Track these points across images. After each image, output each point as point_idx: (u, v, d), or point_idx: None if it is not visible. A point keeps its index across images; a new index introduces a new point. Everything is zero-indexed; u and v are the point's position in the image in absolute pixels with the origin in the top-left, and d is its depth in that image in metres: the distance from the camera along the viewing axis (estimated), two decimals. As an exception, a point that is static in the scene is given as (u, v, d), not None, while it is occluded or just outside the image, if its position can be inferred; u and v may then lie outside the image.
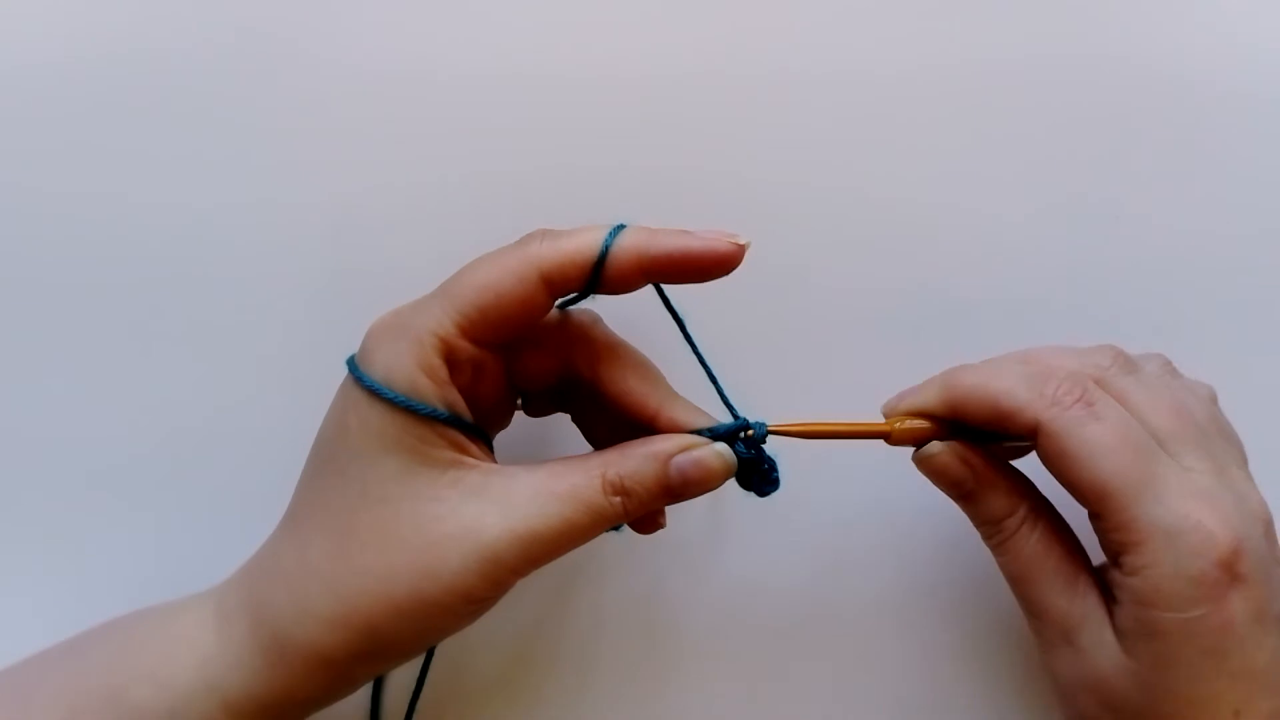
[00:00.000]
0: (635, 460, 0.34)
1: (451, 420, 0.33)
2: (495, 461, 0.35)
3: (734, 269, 0.34)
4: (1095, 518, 0.34)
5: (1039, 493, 0.37)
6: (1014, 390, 0.34)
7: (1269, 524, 0.34)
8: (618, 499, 0.34)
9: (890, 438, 0.37)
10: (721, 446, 0.35)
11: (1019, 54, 0.45)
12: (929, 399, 0.36)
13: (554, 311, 0.37)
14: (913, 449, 0.37)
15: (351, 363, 0.34)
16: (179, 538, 0.44)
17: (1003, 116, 0.45)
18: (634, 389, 0.36)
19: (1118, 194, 0.45)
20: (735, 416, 0.36)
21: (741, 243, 0.34)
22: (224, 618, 0.35)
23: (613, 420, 0.37)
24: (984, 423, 0.35)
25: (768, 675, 0.44)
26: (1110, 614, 0.34)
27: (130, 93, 0.44)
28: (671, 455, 0.34)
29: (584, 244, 0.33)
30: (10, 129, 0.44)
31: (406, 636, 0.34)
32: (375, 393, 0.33)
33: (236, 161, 0.44)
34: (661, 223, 0.43)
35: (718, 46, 0.45)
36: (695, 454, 0.34)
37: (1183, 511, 0.32)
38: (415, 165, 0.44)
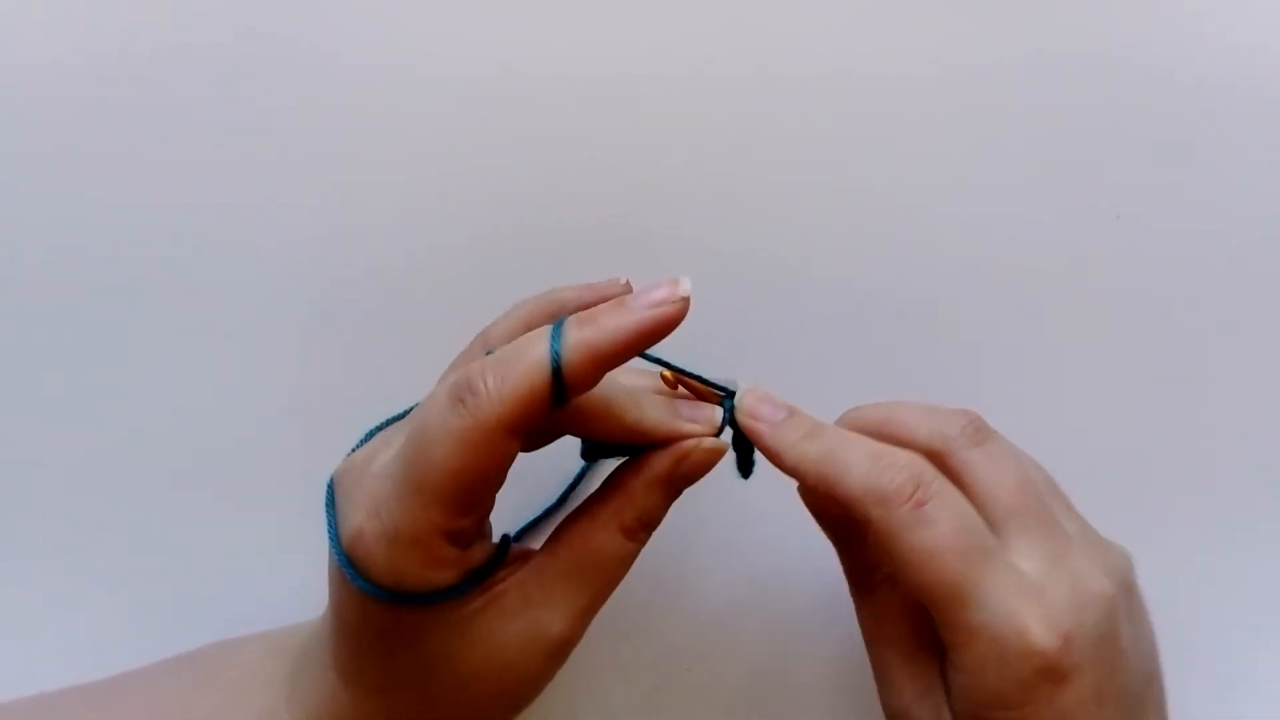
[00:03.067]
0: (642, 495, 0.34)
1: (476, 583, 0.33)
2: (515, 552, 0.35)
3: (682, 320, 0.32)
4: (928, 605, 0.33)
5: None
6: (851, 477, 0.33)
7: (1114, 596, 0.33)
8: (642, 533, 0.34)
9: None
10: (711, 440, 0.35)
11: (1019, 55, 0.45)
12: (774, 446, 0.35)
13: None
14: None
15: (370, 586, 0.32)
16: (180, 537, 0.43)
17: (1002, 116, 0.45)
18: (615, 424, 0.34)
19: (1118, 194, 0.45)
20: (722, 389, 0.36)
21: (683, 293, 0.31)
22: None
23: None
24: (825, 496, 0.35)
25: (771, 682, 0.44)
26: (949, 699, 0.34)
27: (129, 92, 0.44)
28: (670, 473, 0.34)
29: (535, 379, 0.30)
30: (12, 127, 0.44)
31: None
32: (400, 602, 0.32)
33: (235, 161, 0.44)
34: (662, 223, 0.44)
35: (720, 46, 0.45)
36: (692, 461, 0.34)
37: (1006, 615, 0.31)
38: (415, 164, 0.44)
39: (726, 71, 0.45)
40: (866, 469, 0.33)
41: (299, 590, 0.39)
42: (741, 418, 0.35)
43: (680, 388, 0.36)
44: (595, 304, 0.33)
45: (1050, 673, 0.31)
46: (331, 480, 0.34)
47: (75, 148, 0.44)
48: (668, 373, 0.36)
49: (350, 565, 0.31)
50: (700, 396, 0.36)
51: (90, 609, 0.43)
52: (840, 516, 0.36)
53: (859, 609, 0.36)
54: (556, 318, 0.33)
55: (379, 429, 0.36)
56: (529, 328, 0.34)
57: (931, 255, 0.45)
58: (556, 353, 0.30)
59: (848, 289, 0.45)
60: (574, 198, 0.44)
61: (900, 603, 0.35)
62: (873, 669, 0.36)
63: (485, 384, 0.30)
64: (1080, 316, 0.45)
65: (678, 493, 0.35)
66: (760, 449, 0.35)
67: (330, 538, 0.32)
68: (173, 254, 0.44)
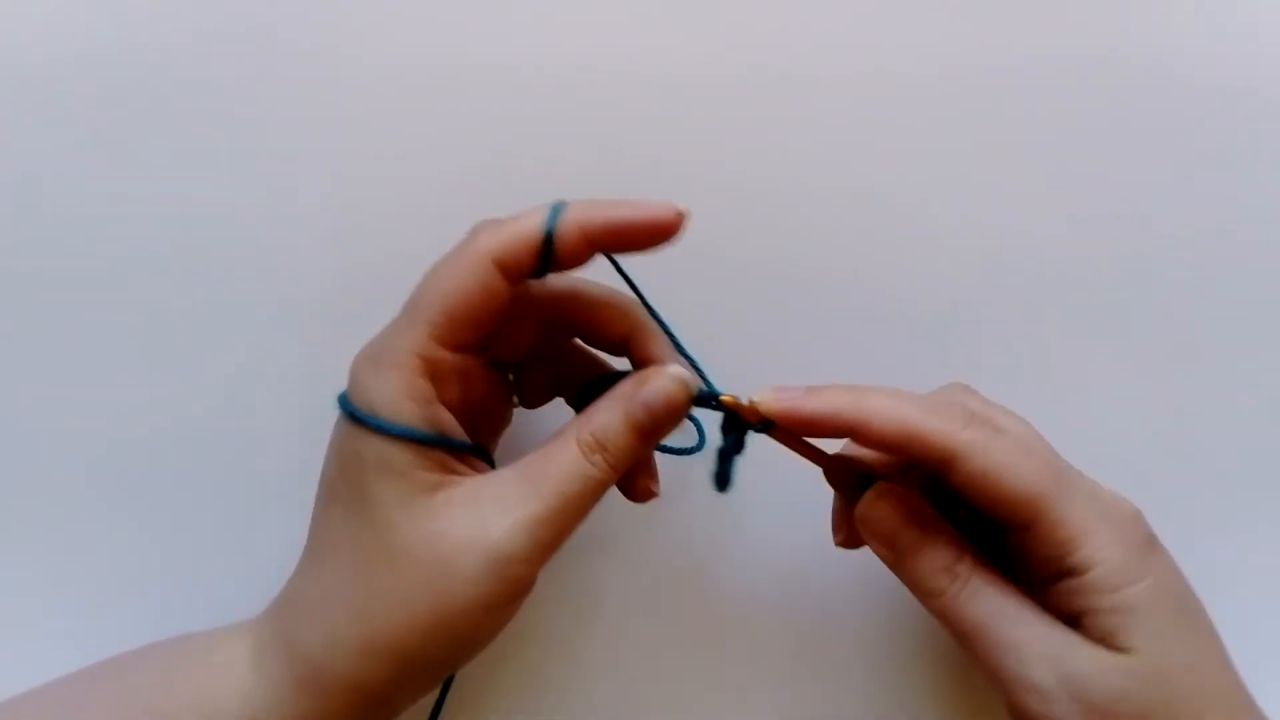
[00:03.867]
0: (602, 413, 0.34)
1: (435, 440, 0.34)
2: (493, 468, 0.36)
3: (676, 235, 0.34)
4: (1024, 531, 0.33)
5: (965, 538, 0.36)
6: (924, 415, 0.33)
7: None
8: (598, 457, 0.34)
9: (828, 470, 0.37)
10: (674, 368, 0.35)
11: (1021, 55, 0.45)
12: (822, 410, 0.34)
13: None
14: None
15: (342, 398, 0.35)
16: (179, 536, 0.44)
17: (1003, 117, 0.45)
18: (602, 321, 0.37)
19: (1117, 194, 0.45)
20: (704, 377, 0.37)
21: (681, 209, 0.34)
22: (261, 652, 0.35)
23: (602, 390, 0.37)
24: (888, 445, 0.34)
25: (783, 672, 0.44)
26: (1086, 638, 0.33)
27: (133, 89, 0.44)
28: (632, 396, 0.34)
29: (529, 226, 0.34)
30: (13, 125, 0.44)
31: (436, 655, 0.34)
32: (362, 423, 0.33)
33: (240, 157, 0.44)
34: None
35: (723, 46, 0.45)
36: (652, 386, 0.34)
37: (1099, 497, 0.34)
38: (418, 160, 0.45)
39: (732, 71, 0.45)
40: (920, 408, 0.34)
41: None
42: (775, 404, 0.34)
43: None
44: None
45: (1149, 533, 0.34)
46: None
47: (75, 146, 0.44)
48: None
49: (346, 401, 0.34)
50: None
51: (86, 607, 0.43)
52: (904, 525, 0.35)
53: (958, 606, 0.34)
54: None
55: None
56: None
57: (932, 255, 0.45)
58: (553, 217, 0.33)
59: (849, 289, 0.45)
60: (575, 194, 0.44)
61: (991, 574, 0.35)
62: (991, 657, 0.34)
63: (485, 231, 0.34)
64: (1081, 316, 0.45)
65: (639, 428, 0.34)
66: (812, 420, 0.34)
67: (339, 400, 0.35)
68: (175, 249, 0.44)
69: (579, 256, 0.34)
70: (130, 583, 0.43)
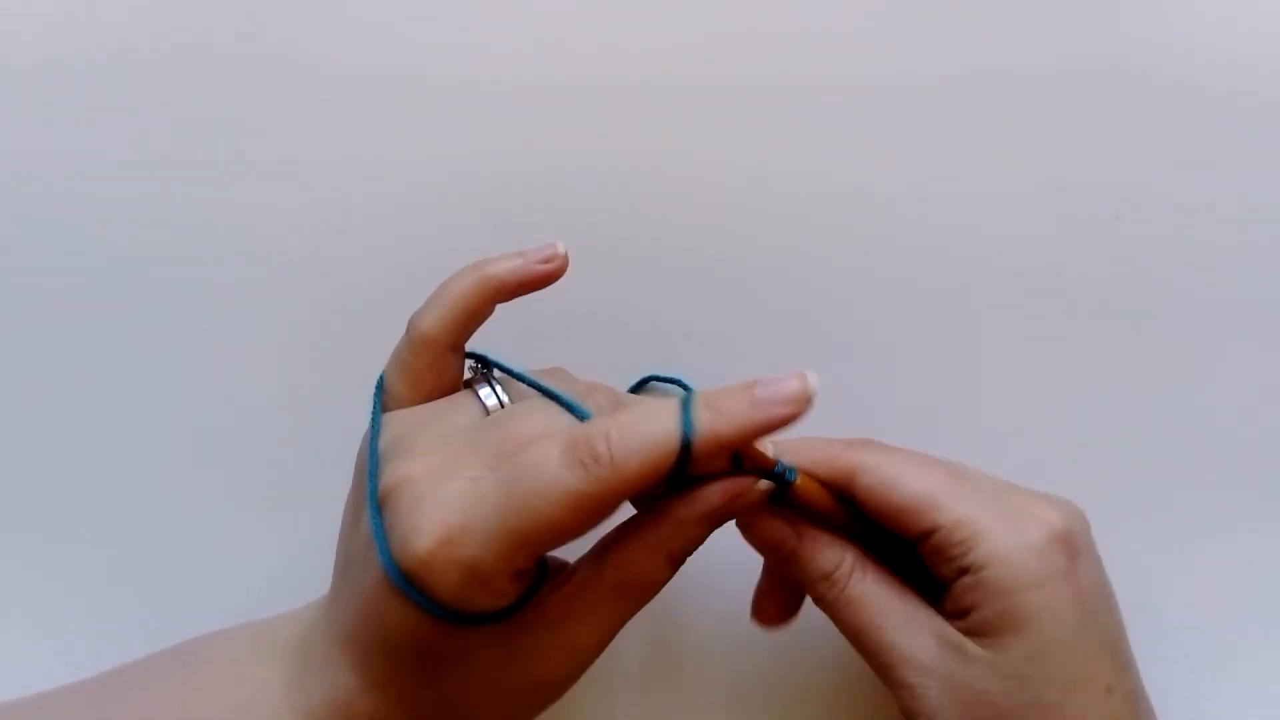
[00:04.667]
0: (691, 525, 0.33)
1: (526, 600, 0.33)
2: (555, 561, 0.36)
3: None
4: (925, 536, 0.34)
5: (851, 538, 0.36)
6: (826, 444, 0.35)
7: (1079, 515, 0.35)
8: (683, 561, 0.34)
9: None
10: (764, 483, 0.34)
11: (1019, 58, 0.46)
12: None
13: None
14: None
15: (419, 596, 0.31)
16: (178, 535, 0.44)
17: (1003, 118, 0.45)
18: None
19: (1118, 195, 0.45)
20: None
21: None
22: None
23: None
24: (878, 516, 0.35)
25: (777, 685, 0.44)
26: (963, 632, 0.34)
27: (131, 93, 0.45)
28: (720, 510, 0.34)
29: (660, 460, 0.31)
30: (14, 126, 0.45)
31: None
32: (458, 621, 0.32)
33: (233, 161, 0.45)
34: (662, 225, 0.44)
35: (719, 49, 0.45)
36: (745, 501, 0.34)
37: (1009, 502, 0.34)
38: (412, 166, 0.45)
39: (729, 76, 0.45)
40: (824, 441, 0.35)
41: (301, 587, 0.39)
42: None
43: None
44: (530, 278, 0.36)
45: (1064, 542, 0.33)
46: (377, 479, 0.33)
47: (76, 147, 0.45)
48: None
49: (409, 583, 0.31)
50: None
51: (84, 606, 0.44)
52: (786, 533, 0.36)
53: (841, 607, 0.35)
54: (495, 299, 0.36)
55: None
56: (467, 313, 0.36)
57: (931, 257, 0.45)
58: (687, 436, 0.30)
59: (845, 292, 0.45)
60: (574, 201, 0.44)
61: (876, 574, 0.35)
62: (875, 656, 0.35)
63: (610, 450, 0.30)
64: (1079, 318, 0.45)
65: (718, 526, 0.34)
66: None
67: (381, 550, 0.31)
68: (171, 253, 0.45)
69: (710, 465, 0.33)
70: (128, 581, 0.44)
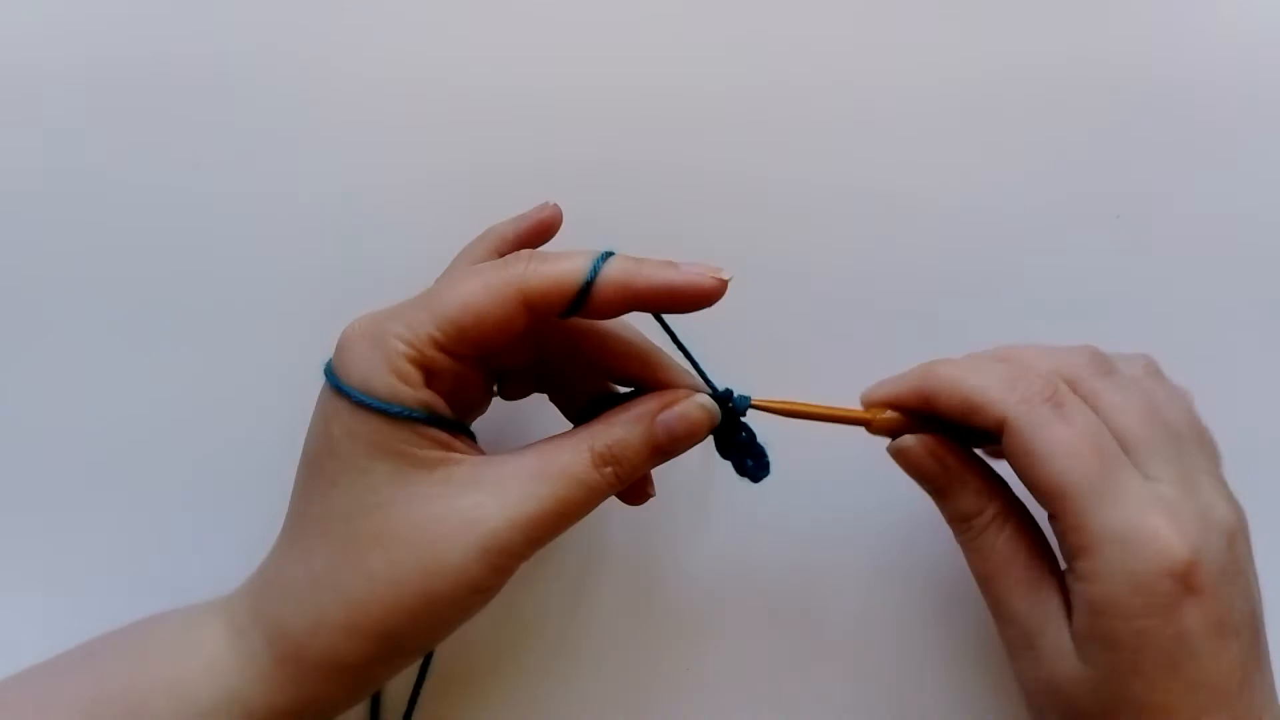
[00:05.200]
0: (620, 427, 0.34)
1: (432, 419, 0.33)
2: (481, 451, 0.35)
3: (716, 302, 0.34)
4: (1053, 519, 0.34)
5: (1012, 494, 0.37)
6: (985, 386, 0.34)
7: (1235, 533, 0.34)
8: (609, 469, 0.34)
9: (870, 426, 0.37)
10: (702, 397, 0.35)
11: (1020, 60, 0.46)
12: (904, 389, 0.36)
13: None
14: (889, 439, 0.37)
15: (329, 371, 0.34)
16: (175, 534, 0.44)
17: (1003, 120, 0.46)
18: (619, 351, 0.36)
19: (1117, 194, 0.45)
20: (716, 389, 0.37)
21: (724, 277, 0.34)
22: (238, 632, 0.35)
23: (592, 392, 0.38)
24: (955, 416, 0.35)
25: (761, 657, 0.44)
26: (1069, 621, 0.34)
27: (135, 95, 0.45)
28: (655, 414, 0.35)
29: (569, 270, 0.33)
30: (14, 126, 0.45)
31: (420, 634, 0.34)
32: (355, 400, 0.33)
33: (237, 160, 0.45)
34: (658, 228, 0.44)
35: (720, 51, 0.46)
36: (678, 409, 0.35)
37: (1137, 520, 0.32)
38: (412, 165, 0.45)
39: (728, 75, 0.45)
40: (1002, 379, 0.34)
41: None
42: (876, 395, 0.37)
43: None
44: (529, 232, 0.38)
45: (1180, 580, 0.31)
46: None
47: (77, 149, 0.45)
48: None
49: (334, 376, 0.33)
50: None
51: (70, 596, 0.43)
52: (936, 470, 0.36)
53: (968, 556, 0.36)
54: (500, 253, 0.37)
55: None
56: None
57: (933, 257, 0.45)
58: (596, 268, 0.33)
59: (850, 289, 0.45)
60: (576, 200, 0.44)
61: (1010, 540, 0.35)
62: (993, 613, 0.36)
63: (525, 262, 0.33)
64: (1080, 317, 0.45)
65: (657, 448, 0.35)
66: (893, 401, 0.36)
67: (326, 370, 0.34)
68: (172, 251, 0.45)
69: (611, 310, 0.34)
70: (113, 571, 0.44)
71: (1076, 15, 0.46)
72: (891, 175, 0.45)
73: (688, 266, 0.33)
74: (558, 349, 0.37)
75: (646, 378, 0.36)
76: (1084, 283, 0.45)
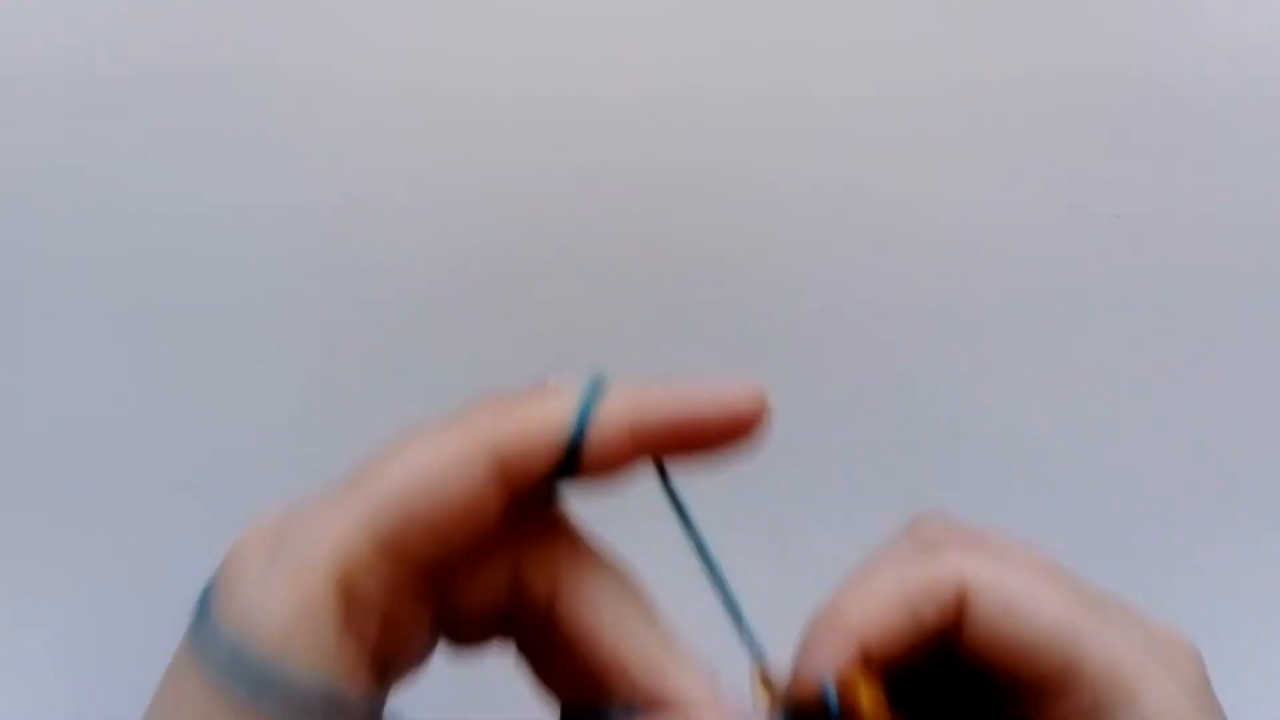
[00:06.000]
0: None
1: (333, 700, 0.21)
2: None
3: (757, 435, 0.23)
4: (1054, 683, 0.24)
5: None
6: (895, 584, 0.25)
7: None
8: None
9: None
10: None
11: (1021, 65, 0.45)
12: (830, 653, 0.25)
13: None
14: None
15: (204, 597, 0.22)
16: (177, 536, 0.44)
17: (1004, 122, 0.45)
18: (607, 632, 0.23)
19: (1117, 198, 0.45)
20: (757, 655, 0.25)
21: (765, 396, 0.23)
22: None
23: (576, 660, 0.23)
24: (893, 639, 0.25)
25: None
26: None
27: (135, 99, 0.45)
28: None
29: (552, 414, 0.22)
30: (14, 126, 0.45)
31: None
32: (216, 664, 0.20)
33: (237, 166, 0.45)
34: (663, 235, 0.45)
35: (721, 58, 0.45)
36: None
37: (1149, 625, 0.25)
38: (411, 171, 0.45)
39: (730, 81, 0.45)
40: (901, 572, 0.25)
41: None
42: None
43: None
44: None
45: (1208, 680, 0.24)
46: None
47: (77, 153, 0.45)
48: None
49: (205, 605, 0.21)
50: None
51: (78, 607, 0.43)
52: None
53: None
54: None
55: None
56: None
57: (934, 259, 0.45)
58: (587, 401, 0.23)
59: (851, 293, 0.45)
60: (576, 206, 0.44)
61: None
62: None
63: (490, 412, 0.23)
64: (1080, 317, 0.45)
65: None
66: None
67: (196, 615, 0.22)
68: (174, 256, 0.45)
69: (617, 463, 0.23)
70: (113, 571, 0.43)
71: (1076, 17, 0.46)
72: (891, 176, 0.45)
73: (714, 387, 0.23)
74: (531, 581, 0.24)
75: (634, 665, 0.22)
76: (1083, 284, 0.45)
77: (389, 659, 0.23)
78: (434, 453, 0.22)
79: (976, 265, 0.45)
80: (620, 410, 0.23)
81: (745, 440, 0.23)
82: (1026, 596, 0.24)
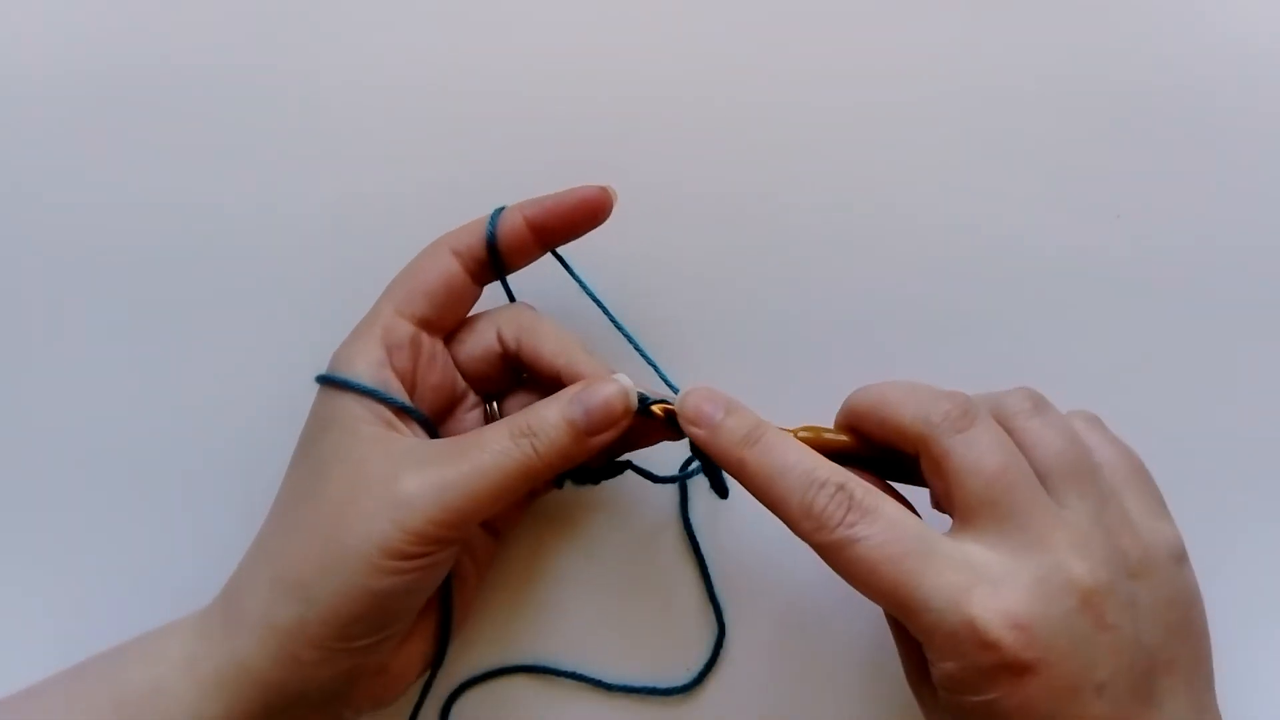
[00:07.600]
0: (541, 407, 0.36)
1: (380, 397, 0.36)
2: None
3: (607, 215, 0.38)
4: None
5: None
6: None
7: (1091, 588, 0.32)
8: (525, 441, 0.35)
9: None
10: (621, 377, 0.37)
11: (1021, 64, 0.46)
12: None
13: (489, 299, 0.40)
14: None
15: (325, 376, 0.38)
16: (178, 536, 0.44)
17: (1005, 121, 0.45)
18: (548, 352, 0.38)
19: (1116, 198, 0.45)
20: (674, 386, 0.39)
21: (607, 187, 0.38)
22: (211, 604, 0.37)
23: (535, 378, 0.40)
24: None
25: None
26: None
27: (135, 100, 0.45)
28: (573, 397, 0.36)
29: (477, 224, 0.38)
30: (15, 127, 0.45)
31: (334, 591, 0.34)
32: (324, 380, 0.37)
33: (237, 166, 0.45)
34: (670, 235, 0.45)
35: (720, 57, 0.46)
36: (594, 387, 0.36)
37: (952, 609, 0.31)
38: (410, 171, 0.45)
39: (727, 78, 0.45)
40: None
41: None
42: (684, 424, 0.36)
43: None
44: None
45: (1008, 665, 0.31)
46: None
47: (78, 153, 0.45)
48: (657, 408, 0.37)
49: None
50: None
51: (75, 605, 0.44)
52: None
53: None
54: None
55: None
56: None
57: (935, 258, 0.45)
58: (496, 212, 0.39)
59: (853, 292, 0.45)
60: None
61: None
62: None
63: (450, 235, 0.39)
64: (1081, 317, 0.45)
65: (576, 430, 0.35)
66: (706, 453, 0.36)
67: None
68: (175, 254, 0.45)
69: (526, 247, 0.39)
70: (113, 572, 0.44)
71: (1076, 20, 0.46)
72: (891, 177, 0.45)
73: (574, 187, 0.38)
74: (505, 341, 0.39)
75: (562, 365, 0.38)
76: (1084, 283, 0.45)
77: (430, 397, 0.39)
78: (419, 257, 0.39)
79: (977, 265, 0.45)
80: (515, 210, 0.39)
81: (601, 219, 0.39)
82: (856, 566, 0.33)
